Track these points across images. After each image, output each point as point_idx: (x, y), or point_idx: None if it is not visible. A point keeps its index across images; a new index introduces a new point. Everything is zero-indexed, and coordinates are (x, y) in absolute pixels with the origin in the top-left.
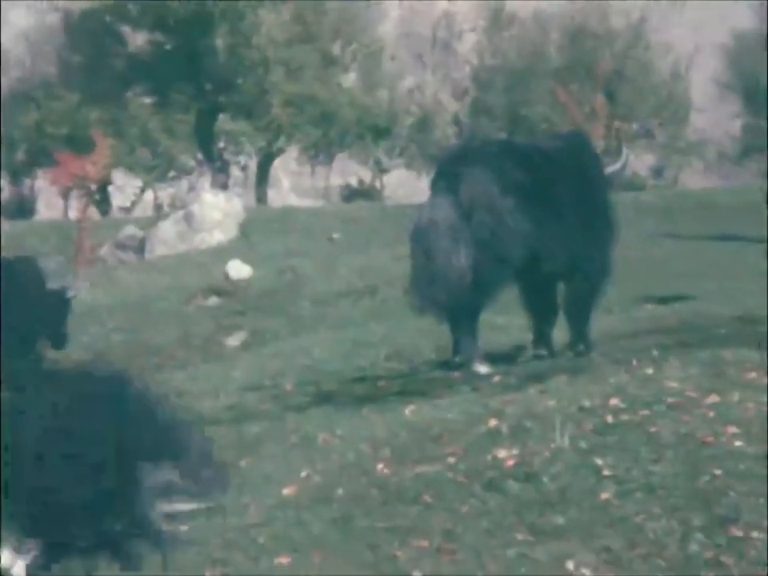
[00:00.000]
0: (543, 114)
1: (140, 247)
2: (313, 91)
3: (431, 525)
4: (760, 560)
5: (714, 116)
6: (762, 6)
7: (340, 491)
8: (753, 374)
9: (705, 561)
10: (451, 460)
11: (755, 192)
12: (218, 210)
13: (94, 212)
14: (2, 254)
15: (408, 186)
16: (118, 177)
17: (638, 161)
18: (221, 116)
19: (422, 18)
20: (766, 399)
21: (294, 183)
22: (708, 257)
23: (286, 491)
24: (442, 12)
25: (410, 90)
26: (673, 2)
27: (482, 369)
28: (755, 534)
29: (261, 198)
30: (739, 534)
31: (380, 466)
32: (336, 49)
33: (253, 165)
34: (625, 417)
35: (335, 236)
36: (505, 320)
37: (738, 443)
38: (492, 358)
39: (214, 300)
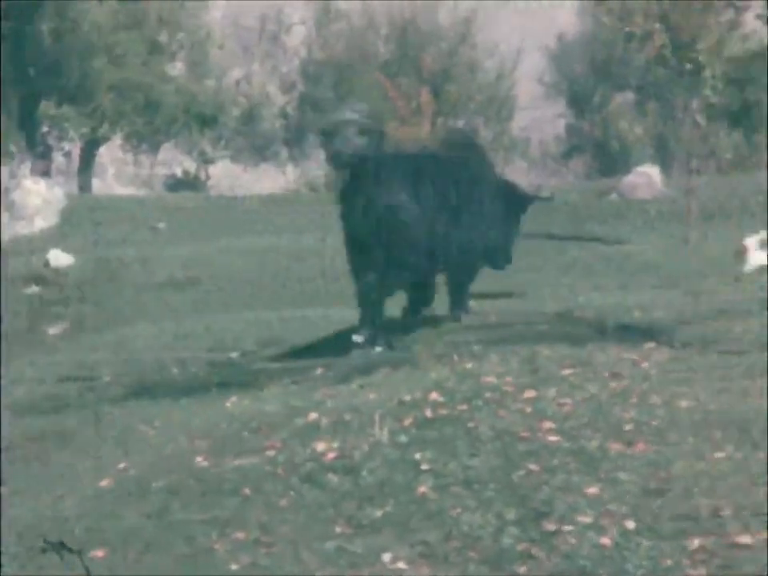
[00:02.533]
0: (369, 108)
1: None
2: (138, 78)
3: (249, 517)
4: (571, 554)
5: (538, 116)
6: (586, 8)
7: (157, 483)
8: (569, 370)
9: (518, 554)
10: (270, 453)
11: (581, 192)
12: (38, 197)
13: None
14: None
15: (233, 177)
16: None
17: None
18: (44, 101)
19: (250, 9)
20: (581, 395)
21: (117, 171)
22: (533, 253)
23: (102, 483)
24: (270, 4)
25: (237, 81)
26: (499, 2)
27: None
28: (567, 528)
29: (84, 186)
30: (552, 527)
31: (198, 458)
32: (163, 37)
33: (76, 152)
34: (444, 411)
35: (159, 226)
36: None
37: (552, 438)
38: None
39: (33, 288)
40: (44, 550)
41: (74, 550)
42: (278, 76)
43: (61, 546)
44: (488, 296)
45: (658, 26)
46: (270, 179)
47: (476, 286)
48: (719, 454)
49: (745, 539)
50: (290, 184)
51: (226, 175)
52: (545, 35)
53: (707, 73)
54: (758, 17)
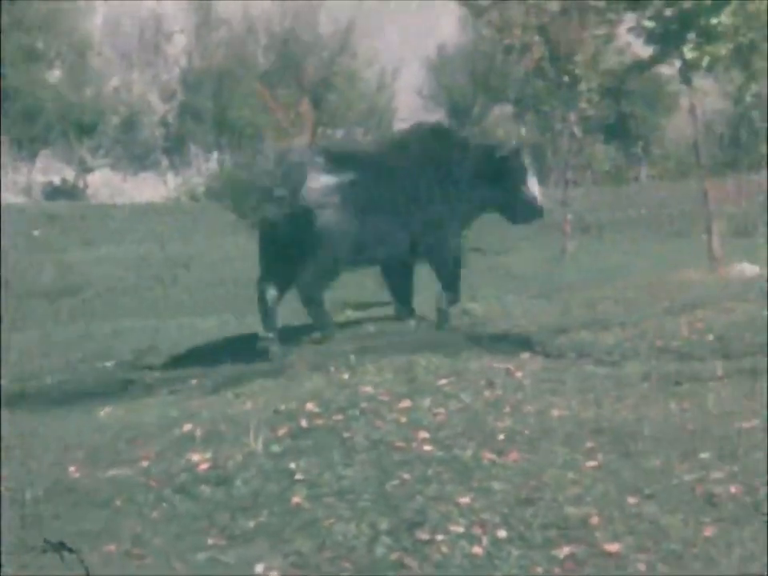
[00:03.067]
0: (249, 117)
1: None
2: (16, 85)
3: (121, 529)
4: (443, 563)
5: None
6: (466, 20)
7: (29, 494)
8: (444, 380)
9: (390, 563)
10: (144, 463)
11: None
12: None
13: None
14: None
15: (113, 186)
16: None
17: None
18: None
19: (130, 17)
20: (455, 404)
21: None
22: None
23: None
24: (150, 11)
25: (116, 89)
26: (380, 12)
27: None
28: (439, 537)
29: None
30: (425, 537)
31: (71, 468)
32: (40, 43)
33: None
34: (319, 421)
35: (36, 233)
36: None
37: (427, 448)
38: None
39: None
40: (44, 550)
41: (74, 549)
42: (158, 84)
43: (61, 546)
44: (365, 306)
45: (536, 38)
46: (150, 188)
47: (352, 296)
48: (590, 463)
49: (613, 547)
50: (171, 193)
51: (106, 184)
52: (425, 46)
53: (583, 85)
54: (630, 30)
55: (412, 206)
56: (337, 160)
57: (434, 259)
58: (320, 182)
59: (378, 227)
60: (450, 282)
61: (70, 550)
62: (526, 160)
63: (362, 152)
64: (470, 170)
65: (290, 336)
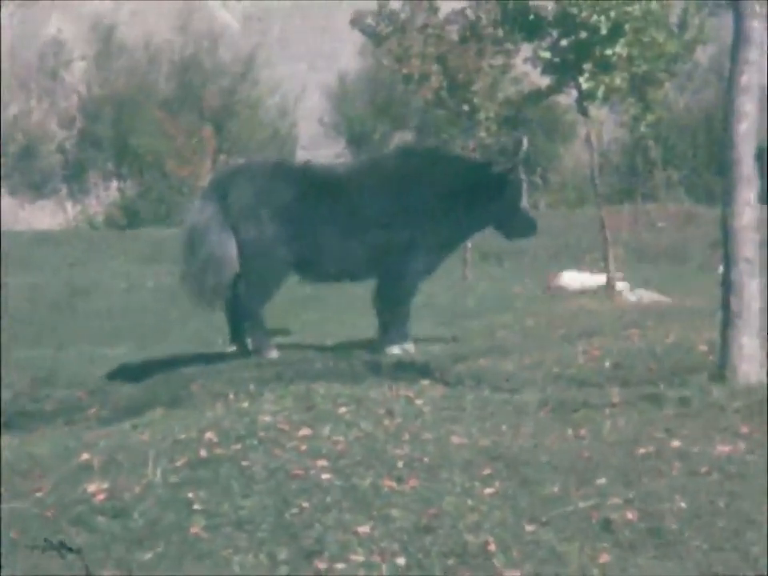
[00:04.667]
0: (150, 144)
1: None
2: None
3: (15, 561)
4: None
5: (319, 155)
6: (366, 49)
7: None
8: (344, 408)
9: None
10: (39, 494)
11: None
12: None
13: None
14: None
15: (10, 213)
16: None
17: None
18: None
19: (29, 43)
20: (355, 433)
21: None
22: (317, 290)
23: None
24: (49, 38)
25: (14, 117)
26: (282, 40)
27: (273, 354)
28: (339, 566)
29: None
30: (323, 566)
31: None
32: None
33: None
34: (218, 450)
35: None
36: None
37: (325, 476)
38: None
39: None
40: (44, 550)
41: (74, 549)
42: (56, 112)
43: (61, 546)
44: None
45: (435, 67)
46: (48, 215)
47: None
48: (488, 490)
49: (512, 573)
50: (70, 221)
51: (4, 211)
52: (326, 75)
53: (482, 114)
54: (527, 60)
55: (374, 227)
56: (281, 176)
57: (384, 283)
58: (245, 195)
59: (328, 245)
60: (391, 315)
61: (71, 550)
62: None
63: (323, 170)
64: (468, 189)
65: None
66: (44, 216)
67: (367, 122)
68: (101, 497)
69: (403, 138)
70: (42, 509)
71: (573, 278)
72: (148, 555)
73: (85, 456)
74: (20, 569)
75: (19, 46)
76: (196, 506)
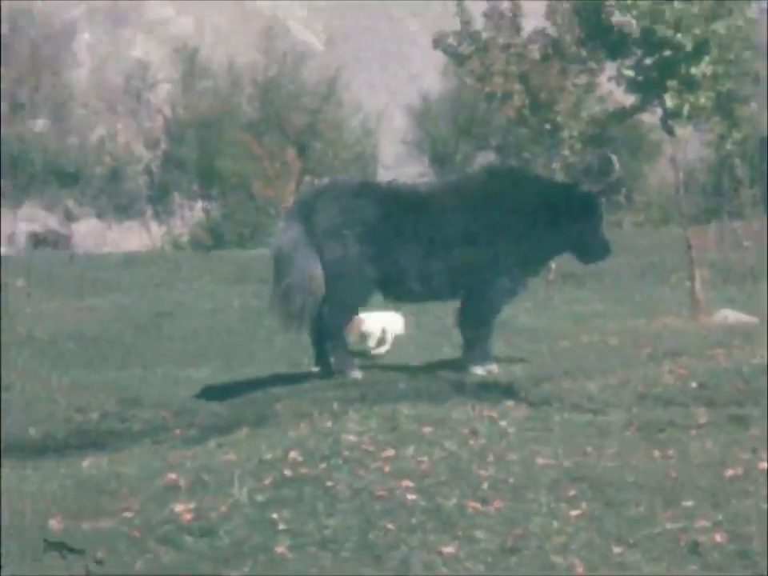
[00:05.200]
0: (235, 166)
1: None
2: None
3: None
4: None
5: (401, 174)
6: (449, 69)
7: (9, 547)
8: (428, 428)
9: None
10: (127, 514)
11: None
12: None
13: None
14: None
15: (98, 235)
16: None
17: None
18: None
19: (115, 66)
20: (439, 453)
21: None
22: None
23: None
24: (135, 61)
25: (101, 139)
26: (365, 61)
27: (357, 374)
28: None
29: None
30: None
31: (52, 521)
32: (24, 93)
33: None
34: (303, 470)
35: (19, 283)
36: None
37: (410, 497)
38: None
39: None
40: (44, 550)
41: (75, 549)
42: (142, 134)
43: (61, 546)
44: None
45: (517, 86)
46: (134, 237)
47: None
48: (574, 512)
49: None
50: (155, 241)
51: (91, 233)
52: (409, 95)
53: (565, 133)
54: (611, 79)
55: (458, 247)
56: (365, 196)
57: (468, 303)
58: (330, 216)
59: (411, 265)
60: (475, 335)
61: (71, 550)
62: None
63: (407, 190)
64: (552, 210)
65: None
66: (130, 237)
67: (450, 142)
68: (188, 516)
69: (486, 157)
70: (129, 528)
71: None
72: (234, 574)
73: (171, 476)
74: None
75: (105, 69)
76: (281, 526)
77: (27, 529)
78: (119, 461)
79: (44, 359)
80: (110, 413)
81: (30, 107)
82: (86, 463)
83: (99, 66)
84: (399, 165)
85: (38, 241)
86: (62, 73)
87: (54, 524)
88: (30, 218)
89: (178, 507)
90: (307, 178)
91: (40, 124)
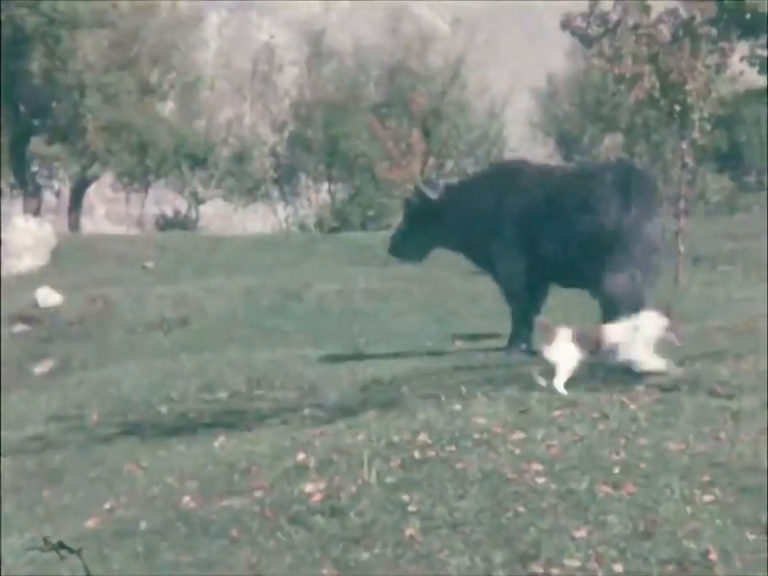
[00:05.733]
0: (361, 148)
1: None
2: (129, 118)
3: (236, 559)
4: None
5: (527, 155)
6: (576, 50)
7: (144, 524)
8: (557, 412)
9: None
10: (258, 494)
11: None
12: (28, 236)
13: None
14: None
15: (224, 217)
16: None
17: None
18: (34, 140)
19: (242, 50)
20: (569, 437)
21: (108, 210)
22: None
23: (88, 523)
24: (262, 44)
25: (228, 121)
26: (490, 43)
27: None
28: (555, 571)
29: (73, 225)
30: (539, 570)
31: (186, 498)
32: (154, 77)
33: (66, 190)
34: (432, 453)
35: (148, 265)
36: None
37: (540, 480)
38: None
39: (21, 327)
40: (44, 550)
41: (74, 549)
42: (268, 116)
43: (61, 546)
44: (470, 337)
45: (647, 68)
46: (260, 219)
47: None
48: (707, 497)
49: None
50: (281, 224)
51: (217, 215)
52: (535, 77)
53: (695, 114)
54: (743, 59)
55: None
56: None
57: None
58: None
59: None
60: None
61: (71, 550)
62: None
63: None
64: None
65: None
66: (256, 219)
67: (576, 124)
68: (317, 497)
69: (613, 138)
70: (261, 508)
71: None
72: (365, 555)
73: (301, 456)
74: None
75: (232, 52)
76: (411, 508)
77: (160, 507)
78: (249, 440)
79: (173, 340)
80: (239, 393)
81: (159, 90)
82: (217, 443)
83: (226, 49)
84: (525, 147)
85: (165, 223)
86: (190, 56)
87: (187, 501)
88: (158, 200)
89: (309, 487)
90: (432, 161)
91: (169, 107)
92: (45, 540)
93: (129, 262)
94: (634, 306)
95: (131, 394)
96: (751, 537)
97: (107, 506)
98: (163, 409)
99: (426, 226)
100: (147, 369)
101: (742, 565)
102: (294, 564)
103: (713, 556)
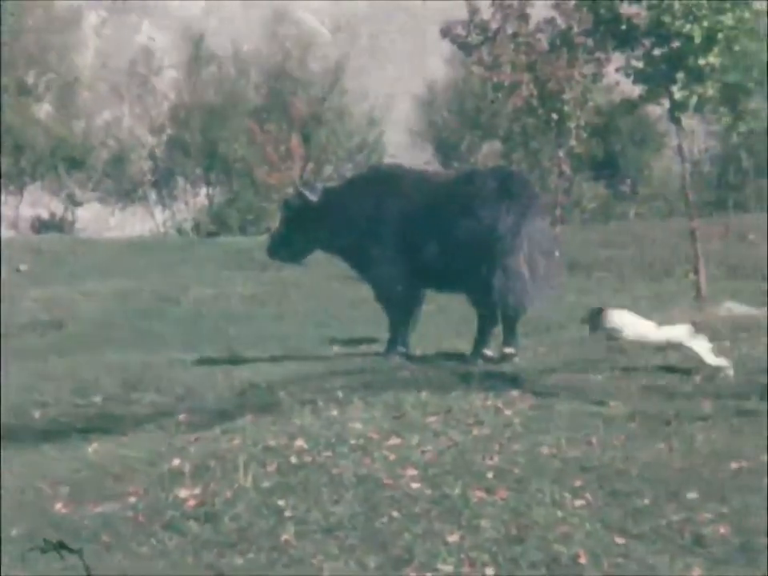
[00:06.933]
0: (240, 152)
1: None
2: (5, 119)
3: (107, 565)
4: None
5: (406, 163)
6: (455, 57)
7: (14, 531)
8: (433, 418)
9: None
10: (132, 499)
11: None
12: None
13: None
14: None
15: (101, 220)
16: None
17: None
18: None
19: (121, 51)
20: (444, 442)
21: None
22: None
23: None
24: (141, 46)
25: (106, 123)
26: (371, 49)
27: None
28: (428, 575)
29: None
30: (413, 574)
31: (58, 504)
32: (30, 77)
33: None
34: (308, 458)
35: (22, 267)
36: None
37: (415, 485)
38: None
39: None
40: (44, 550)
41: (74, 549)
42: (147, 119)
43: (61, 546)
44: (346, 342)
45: (525, 76)
46: (138, 222)
47: (340, 332)
48: (578, 502)
49: None
50: (159, 227)
51: (94, 217)
52: (415, 84)
53: (572, 123)
54: (619, 69)
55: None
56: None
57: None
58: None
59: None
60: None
61: (71, 550)
62: None
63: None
64: None
65: None
66: (134, 223)
67: (455, 131)
68: (192, 502)
69: (491, 146)
70: (134, 513)
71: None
72: (239, 561)
73: (176, 461)
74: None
75: (111, 54)
76: (287, 513)
77: (31, 513)
78: (124, 445)
79: (47, 343)
80: (113, 397)
81: (35, 91)
82: (90, 448)
83: (104, 50)
84: (404, 154)
85: (41, 225)
86: (68, 57)
87: (59, 507)
88: (34, 202)
89: (183, 492)
90: (311, 166)
91: (45, 108)
92: (45, 540)
93: (3, 264)
94: (521, 308)
95: (3, 398)
96: (620, 541)
97: None
98: (35, 413)
99: (305, 229)
100: (19, 371)
101: (611, 569)
102: (167, 569)
103: (582, 559)
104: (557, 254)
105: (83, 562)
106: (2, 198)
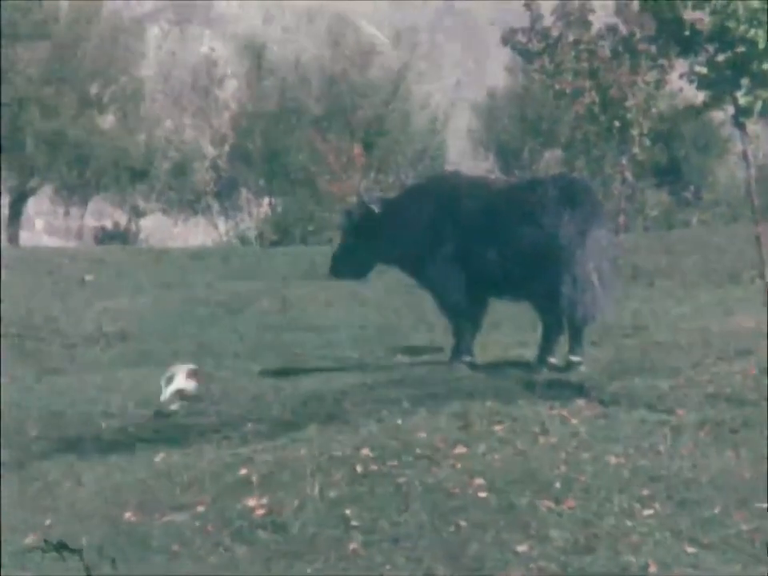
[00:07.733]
0: (301, 162)
1: None
2: (68, 131)
3: (177, 574)
4: None
5: (467, 170)
6: (516, 64)
7: (84, 540)
8: (499, 427)
9: None
10: (200, 509)
11: None
12: None
13: None
14: None
15: (164, 230)
16: None
17: None
18: None
19: (183, 62)
20: (511, 451)
21: (47, 223)
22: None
23: (27, 540)
24: (202, 57)
25: (168, 134)
26: (432, 57)
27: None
28: None
29: (12, 238)
30: None
31: (127, 514)
32: (94, 89)
33: (5, 204)
34: (374, 467)
35: (87, 278)
36: None
37: (482, 494)
38: None
39: None
40: (44, 550)
41: (74, 549)
42: (209, 129)
43: (61, 546)
44: (411, 350)
45: (587, 83)
46: (201, 232)
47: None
48: (647, 511)
49: None
50: (222, 237)
51: (158, 228)
52: (476, 91)
53: (635, 130)
54: (682, 76)
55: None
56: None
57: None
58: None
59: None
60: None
61: (71, 550)
62: None
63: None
64: None
65: None
66: (197, 233)
67: (516, 138)
68: (260, 511)
69: (553, 154)
70: (202, 523)
71: None
72: (308, 570)
73: (243, 471)
74: None
75: (173, 65)
76: (353, 522)
77: (100, 523)
78: (191, 455)
79: (111, 354)
80: (180, 407)
81: (99, 103)
82: (158, 457)
83: (167, 61)
84: (465, 161)
85: (105, 236)
86: (131, 69)
87: (128, 517)
88: (97, 214)
89: (251, 502)
90: (372, 175)
91: (108, 119)
92: (45, 541)
93: (67, 275)
94: (590, 318)
95: (70, 409)
96: (690, 550)
97: (47, 522)
98: (102, 424)
99: (367, 240)
100: (85, 383)
101: None
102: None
103: (652, 569)
104: (619, 261)
105: (83, 562)
106: (66, 209)
